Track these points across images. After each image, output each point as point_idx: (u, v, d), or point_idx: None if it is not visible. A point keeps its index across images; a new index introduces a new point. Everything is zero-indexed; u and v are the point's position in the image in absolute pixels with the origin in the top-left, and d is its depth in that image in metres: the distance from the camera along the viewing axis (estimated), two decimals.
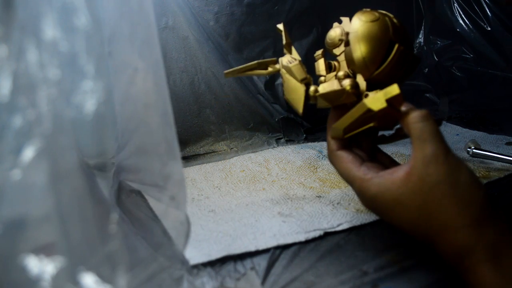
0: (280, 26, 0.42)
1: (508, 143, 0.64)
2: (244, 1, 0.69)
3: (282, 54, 0.43)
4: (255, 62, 0.42)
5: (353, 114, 0.34)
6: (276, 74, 0.73)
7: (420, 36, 0.89)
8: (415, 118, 0.32)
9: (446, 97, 0.82)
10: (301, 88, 0.37)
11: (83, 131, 0.30)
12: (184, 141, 0.64)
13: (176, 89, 0.65)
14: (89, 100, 0.28)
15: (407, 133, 0.33)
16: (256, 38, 0.71)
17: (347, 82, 0.36)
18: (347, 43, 0.37)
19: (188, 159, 0.63)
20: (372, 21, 0.36)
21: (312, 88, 0.37)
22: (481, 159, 0.58)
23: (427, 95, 0.85)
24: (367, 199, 0.34)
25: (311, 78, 0.39)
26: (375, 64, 0.35)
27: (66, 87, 0.26)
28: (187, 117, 0.65)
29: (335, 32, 0.39)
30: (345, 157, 0.36)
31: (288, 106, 0.75)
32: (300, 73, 0.38)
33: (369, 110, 0.32)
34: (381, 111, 0.32)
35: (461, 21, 0.83)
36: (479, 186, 0.30)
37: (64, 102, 0.26)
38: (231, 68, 0.69)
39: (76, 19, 0.28)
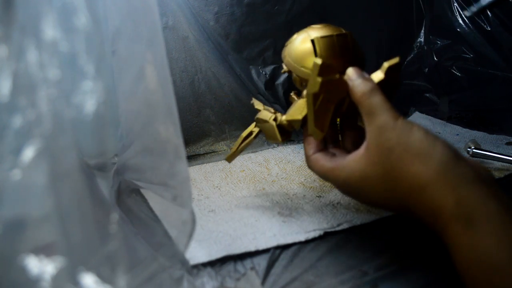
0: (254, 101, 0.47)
1: (508, 143, 0.64)
2: (244, 1, 0.69)
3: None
4: (241, 136, 0.47)
5: (309, 107, 0.36)
6: (276, 75, 0.74)
7: (420, 36, 0.89)
8: (362, 96, 0.33)
9: (446, 97, 0.82)
10: (272, 124, 0.42)
11: (83, 131, 0.30)
12: (184, 141, 0.64)
13: (176, 89, 0.65)
14: (89, 100, 0.28)
15: (358, 109, 0.34)
16: (256, 38, 0.71)
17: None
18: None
19: (188, 159, 0.62)
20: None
21: (280, 118, 0.41)
22: (481, 159, 0.58)
23: (427, 95, 0.85)
24: (341, 185, 0.35)
25: (278, 112, 0.43)
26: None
27: (66, 87, 0.26)
28: (187, 117, 0.65)
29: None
30: (319, 157, 0.37)
31: (287, 106, 0.75)
32: (265, 115, 0.43)
33: (315, 94, 0.35)
34: (325, 88, 0.35)
35: (461, 21, 0.82)
36: (435, 141, 0.30)
37: (64, 102, 0.26)
38: (231, 68, 0.69)
39: (76, 19, 0.28)
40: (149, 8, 0.32)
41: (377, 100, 0.32)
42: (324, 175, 0.37)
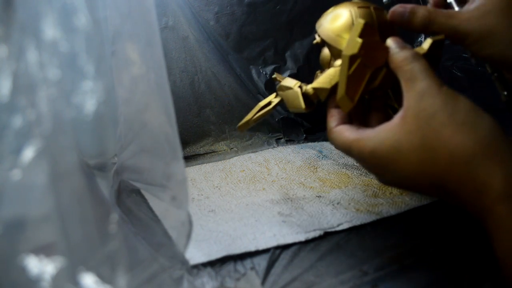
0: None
1: None
2: (245, 0, 0.69)
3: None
4: (258, 105, 0.44)
5: (343, 71, 0.33)
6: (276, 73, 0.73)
7: (420, 36, 0.89)
8: (402, 61, 0.31)
9: None
10: (296, 90, 0.39)
11: (83, 131, 0.30)
12: (184, 141, 0.64)
13: (176, 89, 0.65)
14: (89, 100, 0.28)
15: (397, 76, 0.31)
16: (256, 38, 0.71)
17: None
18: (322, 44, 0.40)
19: (188, 159, 0.63)
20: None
21: (305, 87, 0.38)
22: None
23: None
24: (367, 158, 0.31)
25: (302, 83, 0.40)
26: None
27: (66, 87, 0.26)
28: (187, 117, 0.65)
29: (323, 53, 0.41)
30: (343, 129, 0.34)
31: None
32: (290, 82, 0.40)
33: (352, 57, 0.32)
34: (364, 51, 0.32)
35: None
36: (483, 112, 0.28)
37: (64, 102, 0.26)
38: (231, 68, 0.69)
39: (76, 19, 0.28)
40: (147, 8, 0.32)
41: (420, 65, 0.30)
42: (348, 148, 0.33)
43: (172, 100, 0.32)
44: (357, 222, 0.42)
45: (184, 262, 0.35)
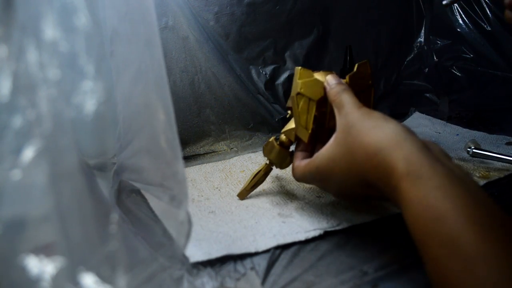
0: None
1: (508, 143, 0.64)
2: (245, 1, 0.69)
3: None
4: (252, 174, 0.49)
5: (294, 108, 0.42)
6: (276, 75, 0.74)
7: (420, 36, 0.89)
8: (335, 95, 0.39)
9: (446, 97, 0.82)
10: (276, 146, 0.47)
11: (83, 131, 0.30)
12: (184, 141, 0.64)
13: (176, 89, 0.65)
14: (89, 100, 0.28)
15: (332, 106, 0.39)
16: (256, 38, 0.71)
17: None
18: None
19: (188, 159, 0.63)
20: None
21: (280, 137, 0.47)
22: (481, 159, 0.58)
23: (427, 95, 0.85)
24: (315, 174, 0.39)
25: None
26: None
27: (66, 87, 0.26)
28: (187, 117, 0.65)
29: None
30: (301, 162, 0.42)
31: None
32: (270, 140, 0.48)
33: (298, 95, 0.42)
34: (304, 88, 0.41)
35: (461, 21, 0.83)
36: (391, 119, 0.34)
37: (64, 102, 0.26)
38: (231, 68, 0.69)
39: (76, 19, 0.28)
40: (146, 9, 0.32)
41: (347, 96, 0.38)
42: (303, 173, 0.41)
43: (172, 100, 0.32)
44: (357, 221, 0.42)
45: (183, 262, 0.35)
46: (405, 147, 0.31)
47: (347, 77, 0.41)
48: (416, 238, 0.28)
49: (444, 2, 0.50)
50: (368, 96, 0.42)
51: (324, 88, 0.40)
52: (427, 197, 0.27)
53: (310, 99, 0.41)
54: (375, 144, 0.32)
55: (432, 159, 0.30)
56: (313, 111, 0.41)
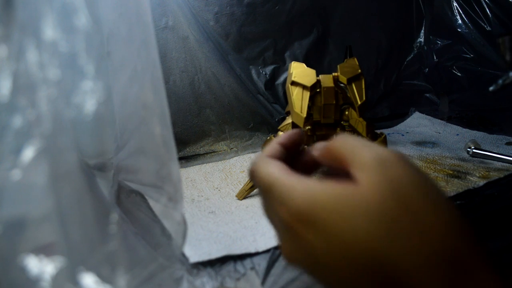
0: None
1: (508, 143, 0.64)
2: (244, 1, 0.69)
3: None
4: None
5: (289, 97, 0.44)
6: (276, 75, 0.73)
7: (420, 36, 0.89)
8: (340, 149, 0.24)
9: (446, 97, 0.82)
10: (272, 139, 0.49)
11: (83, 131, 0.30)
12: (184, 141, 0.64)
13: (176, 89, 0.65)
14: (89, 100, 0.28)
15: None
16: (256, 38, 0.71)
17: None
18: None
19: (188, 159, 0.62)
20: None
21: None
22: (481, 159, 0.58)
23: (427, 95, 0.85)
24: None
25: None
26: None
27: (66, 87, 0.26)
28: (187, 117, 0.65)
29: None
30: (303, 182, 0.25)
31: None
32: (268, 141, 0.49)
33: (292, 83, 0.44)
34: (298, 77, 0.43)
35: (461, 21, 0.83)
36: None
37: (64, 102, 0.26)
38: (231, 68, 0.69)
39: (76, 19, 0.28)
40: (142, 9, 0.32)
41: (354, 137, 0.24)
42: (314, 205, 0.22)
43: (172, 100, 0.32)
44: None
45: (183, 261, 0.35)
46: None
47: (338, 66, 0.44)
48: None
49: (490, 88, 0.48)
50: (360, 84, 0.44)
51: (317, 78, 0.43)
52: None
53: (304, 86, 0.43)
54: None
55: None
56: (307, 97, 0.43)
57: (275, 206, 0.23)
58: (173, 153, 0.31)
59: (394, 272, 0.18)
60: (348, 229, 0.19)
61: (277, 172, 0.23)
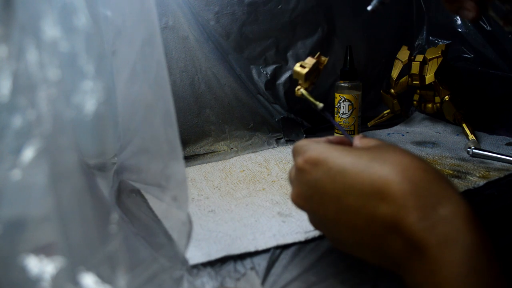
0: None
1: (508, 143, 0.64)
2: (246, 0, 0.69)
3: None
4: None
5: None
6: (278, 75, 0.73)
7: (420, 36, 0.89)
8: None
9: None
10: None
11: (83, 131, 0.30)
12: (184, 141, 0.64)
13: (176, 89, 0.65)
14: (89, 100, 0.28)
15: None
16: (257, 37, 0.71)
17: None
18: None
19: (188, 159, 0.63)
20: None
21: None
22: (481, 159, 0.58)
23: None
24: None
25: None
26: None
27: (66, 87, 0.26)
28: (187, 117, 0.65)
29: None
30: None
31: (288, 106, 0.74)
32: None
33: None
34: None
35: (461, 21, 0.82)
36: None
37: (64, 102, 0.26)
38: (232, 68, 0.69)
39: (76, 19, 0.28)
40: (148, 8, 0.32)
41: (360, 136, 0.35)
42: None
43: (173, 99, 0.32)
44: None
45: (184, 262, 0.35)
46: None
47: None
48: None
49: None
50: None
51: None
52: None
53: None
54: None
55: None
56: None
57: (295, 161, 0.32)
58: (179, 152, 0.31)
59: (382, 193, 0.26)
60: (347, 165, 0.28)
61: (309, 141, 0.33)
